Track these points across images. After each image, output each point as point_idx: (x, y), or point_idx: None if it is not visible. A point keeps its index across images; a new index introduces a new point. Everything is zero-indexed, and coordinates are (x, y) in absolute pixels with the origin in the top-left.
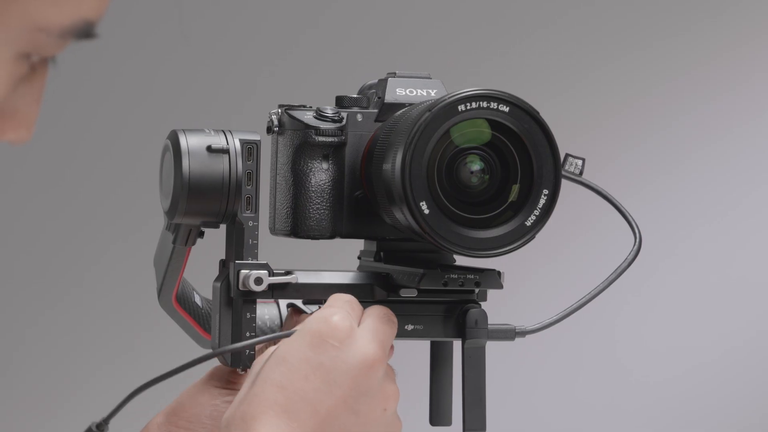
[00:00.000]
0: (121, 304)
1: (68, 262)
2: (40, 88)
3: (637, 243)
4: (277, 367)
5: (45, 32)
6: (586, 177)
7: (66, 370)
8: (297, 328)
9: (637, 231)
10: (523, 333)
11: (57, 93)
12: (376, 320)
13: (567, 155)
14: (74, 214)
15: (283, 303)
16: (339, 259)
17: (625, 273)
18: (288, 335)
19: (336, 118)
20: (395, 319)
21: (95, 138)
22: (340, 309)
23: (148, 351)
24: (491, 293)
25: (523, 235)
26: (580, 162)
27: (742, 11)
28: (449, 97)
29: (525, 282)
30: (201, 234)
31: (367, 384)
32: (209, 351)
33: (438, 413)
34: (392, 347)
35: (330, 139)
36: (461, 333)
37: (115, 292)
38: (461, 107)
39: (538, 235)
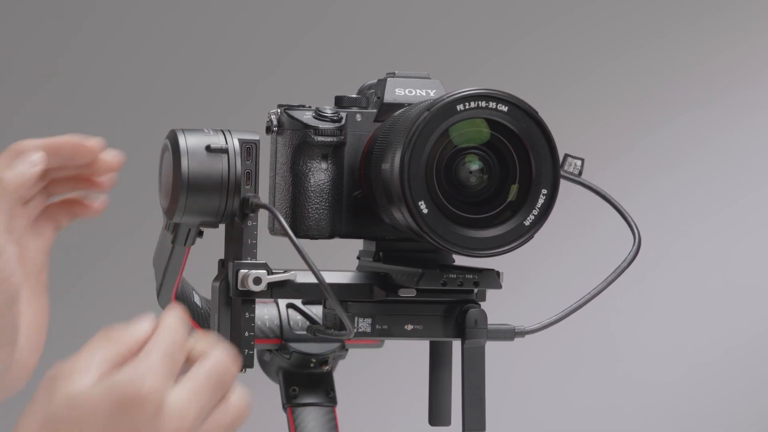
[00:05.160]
0: (120, 303)
1: (67, 262)
2: None
3: (636, 243)
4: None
5: None
6: (585, 177)
7: None
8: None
9: (636, 231)
10: (523, 333)
11: (57, 93)
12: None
13: (566, 155)
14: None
15: (283, 303)
16: (338, 259)
17: (624, 273)
18: None
19: (335, 118)
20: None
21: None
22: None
23: None
24: (490, 293)
25: (522, 235)
26: (579, 162)
27: (741, 11)
28: (448, 97)
29: (524, 282)
30: (200, 234)
31: None
32: None
33: (437, 413)
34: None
35: (329, 139)
36: (461, 333)
37: (115, 291)
38: (460, 107)
39: (538, 235)
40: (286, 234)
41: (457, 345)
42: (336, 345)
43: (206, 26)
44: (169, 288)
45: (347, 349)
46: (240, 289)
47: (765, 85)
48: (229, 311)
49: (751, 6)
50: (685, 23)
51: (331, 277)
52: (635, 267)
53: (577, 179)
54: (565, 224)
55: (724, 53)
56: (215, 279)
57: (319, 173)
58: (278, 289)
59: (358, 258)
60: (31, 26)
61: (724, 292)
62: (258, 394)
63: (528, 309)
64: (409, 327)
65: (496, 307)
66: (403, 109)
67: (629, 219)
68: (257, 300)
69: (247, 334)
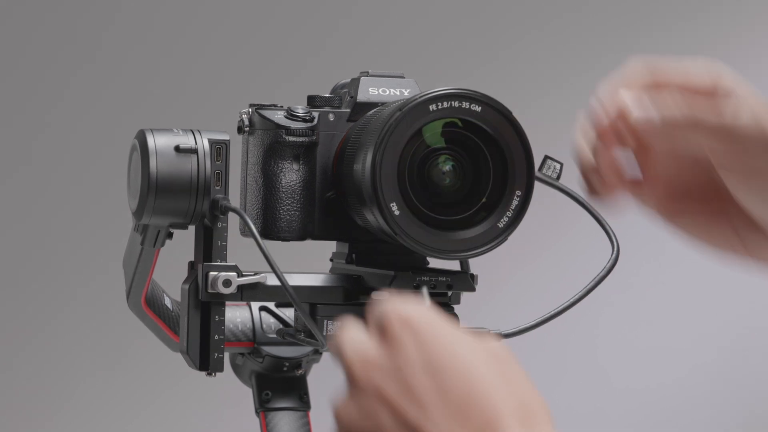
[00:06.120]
0: (90, 305)
1: (37, 264)
2: None
3: (615, 252)
4: None
5: None
6: (565, 181)
7: (39, 373)
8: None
9: (614, 240)
10: (499, 337)
11: (20, 91)
12: None
13: (546, 157)
14: (43, 215)
15: (256, 306)
16: (311, 261)
17: (607, 278)
18: None
19: (307, 117)
20: None
21: (62, 138)
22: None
23: (119, 354)
24: (468, 296)
25: (496, 237)
26: (558, 165)
27: (738, 10)
28: (420, 97)
29: (505, 285)
30: (170, 235)
31: None
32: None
33: None
34: None
35: (301, 139)
36: None
37: (84, 293)
38: (432, 107)
39: (518, 238)
40: (252, 236)
41: None
42: (310, 348)
43: (178, 24)
44: (139, 290)
45: (321, 353)
46: (210, 291)
47: (765, 85)
48: (198, 314)
49: (751, 5)
50: (679, 21)
51: (301, 280)
52: (618, 270)
53: (553, 183)
54: (546, 226)
55: (725, 53)
56: (185, 281)
57: (291, 174)
58: (249, 292)
59: (331, 260)
60: None
61: (709, 296)
62: (230, 398)
63: (509, 313)
64: None
65: (475, 311)
66: (376, 109)
67: (607, 227)
68: (230, 303)
69: (217, 337)
